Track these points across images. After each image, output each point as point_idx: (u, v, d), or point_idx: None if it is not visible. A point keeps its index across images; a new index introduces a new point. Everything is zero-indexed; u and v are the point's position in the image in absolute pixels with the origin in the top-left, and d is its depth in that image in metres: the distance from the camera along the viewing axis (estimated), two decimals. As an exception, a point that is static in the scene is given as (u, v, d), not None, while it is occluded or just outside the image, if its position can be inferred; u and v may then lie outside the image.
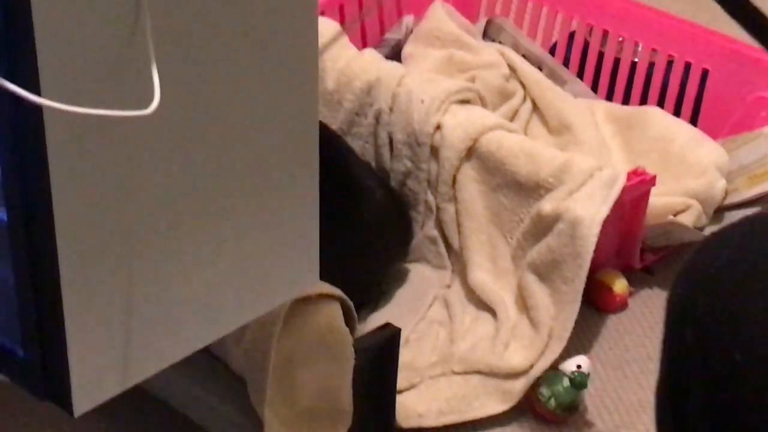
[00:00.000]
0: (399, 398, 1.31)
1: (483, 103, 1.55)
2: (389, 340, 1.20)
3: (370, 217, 1.44)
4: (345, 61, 1.55)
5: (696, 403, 0.66)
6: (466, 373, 1.36)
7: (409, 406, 1.33)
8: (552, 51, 1.83)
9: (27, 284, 0.86)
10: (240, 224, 0.94)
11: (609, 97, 1.78)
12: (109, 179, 0.84)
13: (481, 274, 1.47)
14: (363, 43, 1.80)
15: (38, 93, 0.78)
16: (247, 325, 1.14)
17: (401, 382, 1.33)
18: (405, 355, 1.39)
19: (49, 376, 0.89)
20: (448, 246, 1.51)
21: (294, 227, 0.98)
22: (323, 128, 1.44)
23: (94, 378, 0.89)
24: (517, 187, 1.45)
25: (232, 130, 0.90)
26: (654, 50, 1.74)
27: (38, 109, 0.78)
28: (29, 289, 0.86)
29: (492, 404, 1.34)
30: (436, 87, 1.49)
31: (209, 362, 1.19)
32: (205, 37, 0.86)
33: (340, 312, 1.17)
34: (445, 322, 1.45)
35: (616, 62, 1.78)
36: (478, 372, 1.36)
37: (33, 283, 0.86)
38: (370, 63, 1.54)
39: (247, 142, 0.92)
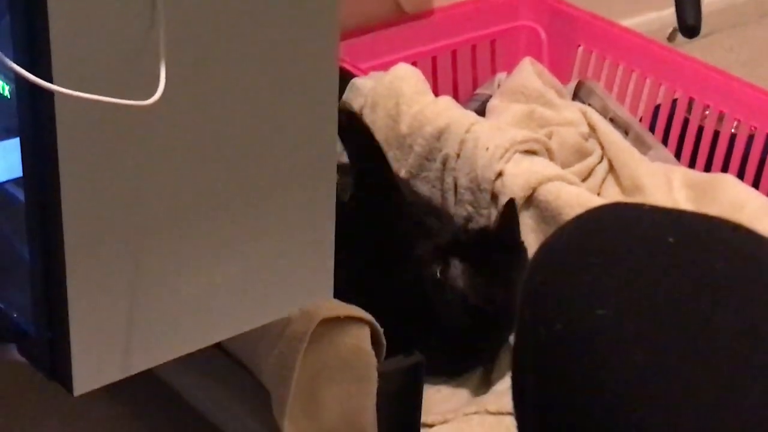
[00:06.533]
0: (430, 432, 1.33)
1: (550, 156, 1.57)
2: (413, 366, 1.22)
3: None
4: (420, 107, 1.58)
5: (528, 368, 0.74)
6: (500, 413, 1.37)
7: (440, 440, 1.35)
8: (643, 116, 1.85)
9: (38, 265, 0.91)
10: (250, 227, 0.98)
11: (692, 165, 1.79)
12: (115, 168, 0.88)
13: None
14: (455, 97, 1.83)
15: (51, 80, 0.84)
16: (277, 339, 1.18)
17: (435, 417, 1.35)
18: (444, 392, 1.41)
19: (54, 355, 0.94)
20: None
21: (307, 237, 1.02)
22: (394, 182, 1.48)
23: (95, 361, 0.94)
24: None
25: (243, 131, 0.94)
26: (738, 121, 1.74)
27: (51, 95, 0.84)
28: (39, 270, 0.91)
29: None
30: (502, 135, 1.52)
31: (239, 372, 1.23)
32: (219, 36, 0.90)
33: (368, 335, 1.20)
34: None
35: (700, 130, 1.79)
36: (511, 414, 1.37)
37: (43, 264, 0.91)
38: (444, 109, 1.58)
39: (259, 144, 0.95)
